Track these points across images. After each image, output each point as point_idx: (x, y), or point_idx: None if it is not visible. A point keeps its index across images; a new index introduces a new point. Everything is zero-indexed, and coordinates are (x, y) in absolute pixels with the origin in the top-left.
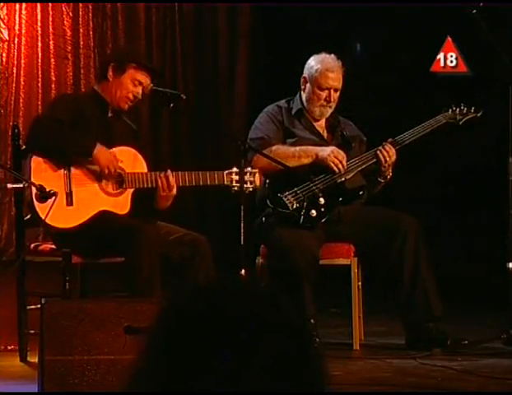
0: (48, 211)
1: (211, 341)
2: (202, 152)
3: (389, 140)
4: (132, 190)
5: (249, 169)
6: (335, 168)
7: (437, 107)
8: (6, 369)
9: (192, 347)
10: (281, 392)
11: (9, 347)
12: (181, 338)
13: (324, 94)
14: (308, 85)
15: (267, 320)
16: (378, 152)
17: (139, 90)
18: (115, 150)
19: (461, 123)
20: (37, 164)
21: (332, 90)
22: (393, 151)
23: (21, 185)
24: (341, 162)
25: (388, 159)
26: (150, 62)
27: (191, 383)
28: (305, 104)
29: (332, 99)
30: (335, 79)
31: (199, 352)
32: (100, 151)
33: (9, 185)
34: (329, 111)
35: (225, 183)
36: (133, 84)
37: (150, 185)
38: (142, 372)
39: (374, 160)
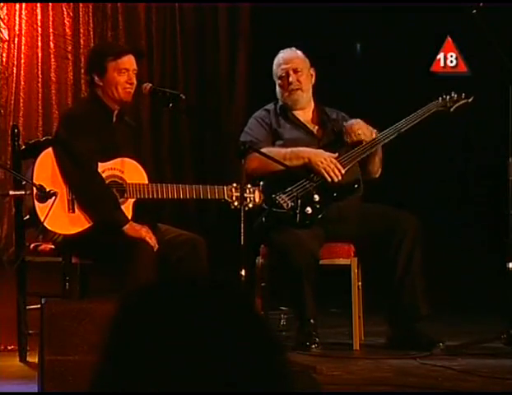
0: (47, 213)
1: (162, 343)
2: (201, 152)
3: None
4: (133, 200)
5: (249, 185)
6: (327, 176)
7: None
8: (6, 369)
9: (143, 349)
10: (240, 392)
11: (9, 347)
12: (133, 339)
13: (285, 81)
14: (276, 84)
15: (221, 322)
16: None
17: (131, 75)
18: (116, 161)
19: (452, 109)
20: (42, 164)
21: (290, 72)
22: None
23: (23, 192)
24: (333, 170)
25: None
26: (122, 45)
27: (146, 383)
28: (281, 101)
29: (293, 80)
30: (288, 61)
31: (151, 354)
32: (131, 228)
33: (11, 192)
34: (301, 95)
35: (226, 198)
36: (120, 74)
37: (150, 196)
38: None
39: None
